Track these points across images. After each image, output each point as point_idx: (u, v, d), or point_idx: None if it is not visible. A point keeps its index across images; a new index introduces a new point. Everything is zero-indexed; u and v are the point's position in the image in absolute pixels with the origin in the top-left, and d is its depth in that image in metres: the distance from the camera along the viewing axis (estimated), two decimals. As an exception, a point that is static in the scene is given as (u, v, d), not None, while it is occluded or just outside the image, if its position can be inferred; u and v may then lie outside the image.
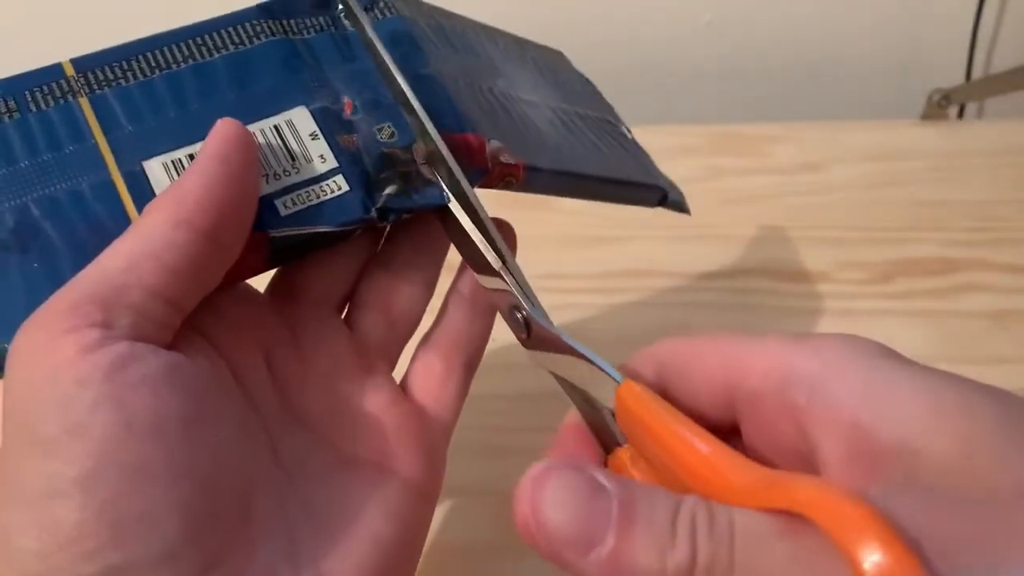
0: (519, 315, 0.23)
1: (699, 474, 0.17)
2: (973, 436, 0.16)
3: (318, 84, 0.25)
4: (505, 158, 0.25)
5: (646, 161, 0.35)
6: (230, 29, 0.25)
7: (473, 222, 0.24)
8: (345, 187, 0.24)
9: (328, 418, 0.24)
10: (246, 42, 0.25)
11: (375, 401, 0.24)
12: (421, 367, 0.26)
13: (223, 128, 0.22)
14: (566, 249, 0.47)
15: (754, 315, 0.42)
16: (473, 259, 0.25)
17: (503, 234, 0.25)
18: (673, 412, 0.18)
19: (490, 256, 0.24)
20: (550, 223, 0.49)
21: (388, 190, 0.24)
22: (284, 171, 0.24)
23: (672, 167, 0.53)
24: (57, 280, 0.21)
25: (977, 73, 0.63)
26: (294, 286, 0.25)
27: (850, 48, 0.64)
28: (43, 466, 0.18)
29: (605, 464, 0.21)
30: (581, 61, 0.65)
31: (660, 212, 0.49)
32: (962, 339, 0.40)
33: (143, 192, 0.23)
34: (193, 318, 0.21)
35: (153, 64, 0.24)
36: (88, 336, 0.18)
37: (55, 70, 0.24)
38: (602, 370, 0.20)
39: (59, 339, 0.18)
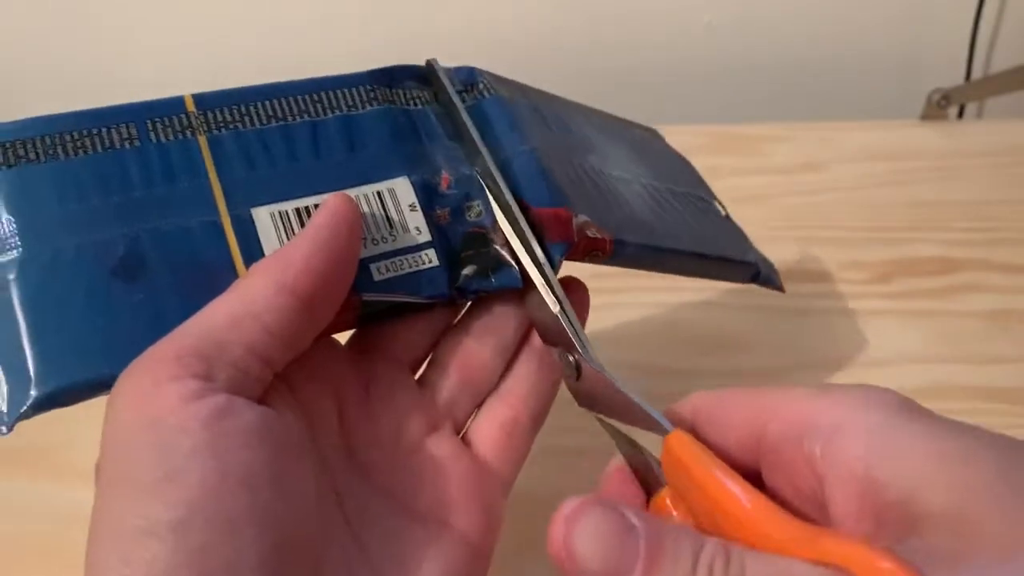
0: (571, 358, 0.24)
1: (740, 524, 0.18)
2: (971, 490, 0.16)
3: (420, 156, 0.26)
4: (592, 232, 0.26)
5: (739, 237, 0.35)
6: (344, 91, 0.26)
7: (544, 281, 0.25)
8: (435, 262, 0.25)
9: (391, 473, 0.24)
10: (358, 106, 0.26)
11: (438, 458, 0.25)
12: (487, 420, 0.26)
13: (334, 202, 0.23)
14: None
15: (754, 315, 0.42)
16: (538, 308, 0.26)
17: (578, 295, 0.26)
18: (718, 463, 0.19)
19: (549, 299, 0.25)
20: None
21: (467, 270, 0.25)
22: (382, 238, 0.25)
23: (672, 167, 0.53)
24: (158, 313, 0.22)
25: (977, 73, 0.63)
26: (373, 343, 0.26)
27: (850, 48, 0.64)
28: (140, 508, 0.18)
29: (647, 506, 0.22)
30: (582, 61, 0.66)
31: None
32: (962, 339, 0.40)
33: (249, 238, 0.23)
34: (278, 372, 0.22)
35: (270, 113, 0.25)
36: (189, 386, 0.19)
37: (176, 103, 0.25)
38: (651, 416, 0.21)
39: (162, 386, 0.19)
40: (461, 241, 0.25)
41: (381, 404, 0.25)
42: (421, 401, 0.26)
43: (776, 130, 0.54)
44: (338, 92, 0.26)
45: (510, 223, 0.26)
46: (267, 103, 0.25)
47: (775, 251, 0.46)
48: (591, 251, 0.26)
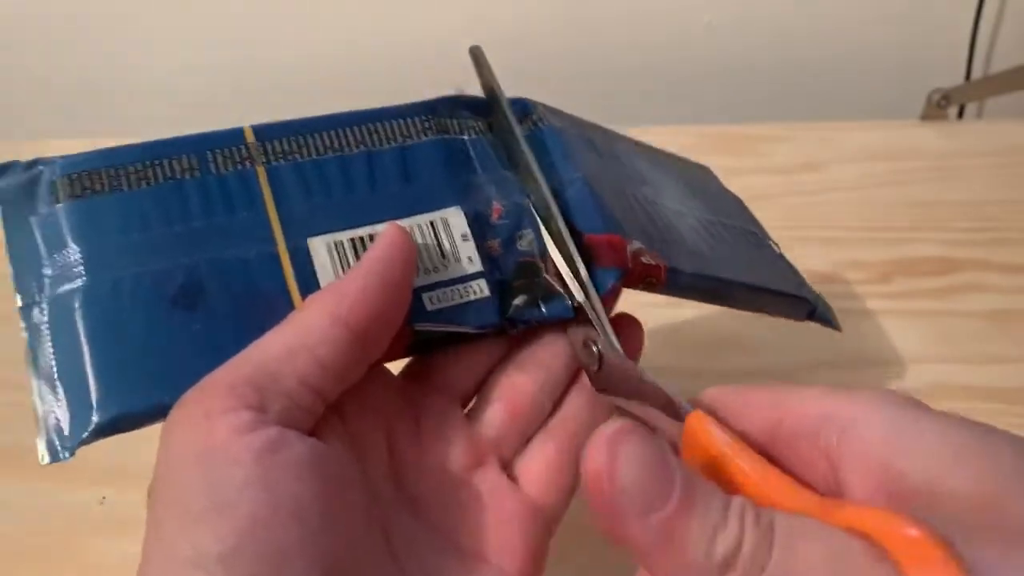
0: (594, 348, 0.24)
1: (759, 501, 0.18)
2: (993, 476, 0.17)
3: (472, 186, 0.26)
4: (646, 259, 0.26)
5: (793, 273, 0.35)
6: (400, 121, 0.26)
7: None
8: (486, 292, 0.25)
9: (437, 507, 0.24)
10: (413, 136, 0.26)
11: (483, 494, 0.25)
12: (535, 456, 0.26)
13: (390, 234, 0.23)
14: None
15: (754, 316, 0.42)
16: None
17: (631, 329, 0.26)
18: (738, 440, 0.20)
19: (574, 287, 0.25)
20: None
21: (518, 300, 0.25)
22: (434, 267, 0.25)
23: (672, 167, 0.53)
24: (216, 343, 0.22)
25: (977, 73, 0.63)
26: (425, 374, 0.26)
27: (850, 48, 0.64)
28: (190, 538, 0.18)
29: None
30: (582, 62, 0.66)
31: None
32: (962, 339, 0.40)
33: (305, 269, 0.24)
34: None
35: (327, 144, 0.26)
36: (242, 418, 0.20)
37: (236, 134, 0.25)
38: (672, 400, 0.21)
39: (215, 418, 0.20)
40: (512, 271, 0.25)
41: (430, 437, 0.25)
42: (469, 435, 0.26)
43: (776, 130, 0.54)
44: (394, 123, 0.26)
45: (559, 250, 0.26)
46: (324, 134, 0.26)
47: (775, 251, 0.46)
48: (645, 278, 0.26)
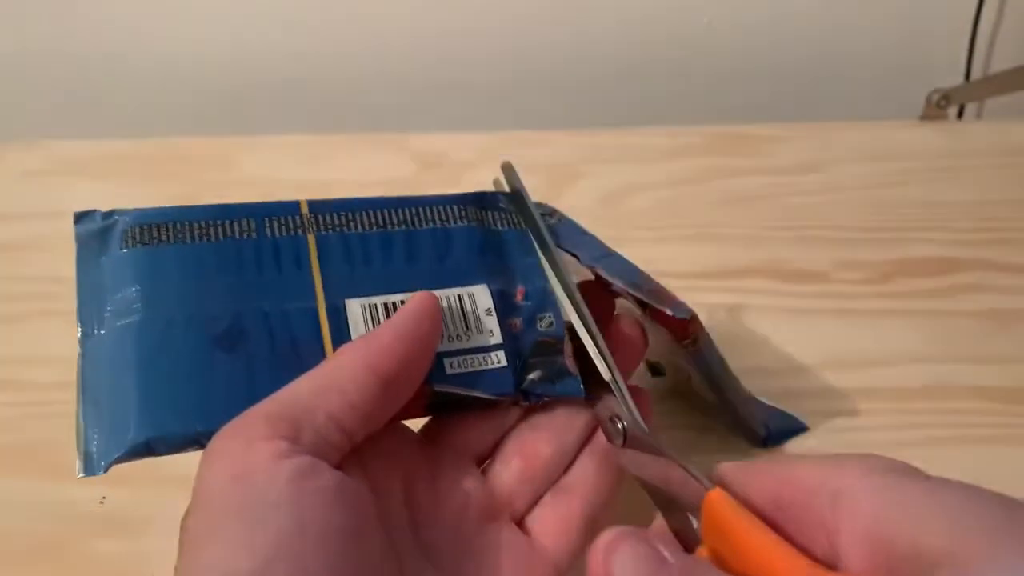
0: (619, 424, 0.26)
1: (773, 573, 0.19)
2: (969, 529, 0.17)
3: (499, 269, 0.29)
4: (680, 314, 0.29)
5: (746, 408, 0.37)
6: (439, 207, 0.29)
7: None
8: (503, 363, 0.27)
9: (452, 555, 0.26)
10: (450, 221, 0.29)
11: (498, 544, 0.26)
12: (548, 512, 0.28)
13: (420, 297, 0.26)
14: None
15: (754, 315, 0.42)
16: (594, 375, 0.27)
17: (639, 397, 0.28)
18: (757, 522, 0.20)
19: (602, 368, 0.27)
20: (550, 223, 0.49)
21: (533, 375, 0.27)
22: (457, 335, 0.27)
23: (672, 167, 0.53)
24: (250, 381, 0.25)
25: (976, 73, 0.63)
26: (444, 434, 0.28)
27: (850, 48, 0.64)
28: (225, 552, 0.20)
29: None
30: (582, 62, 0.66)
31: (659, 212, 0.49)
32: (962, 339, 0.40)
33: (340, 325, 0.26)
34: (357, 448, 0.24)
35: (373, 221, 0.29)
36: (279, 446, 0.22)
37: (293, 206, 0.28)
38: (694, 477, 0.22)
39: (254, 445, 0.22)
40: (530, 348, 0.27)
41: (446, 490, 0.27)
42: (484, 490, 0.27)
43: (776, 130, 0.54)
44: (435, 208, 0.29)
45: (587, 329, 0.28)
46: (371, 212, 0.29)
47: (775, 251, 0.46)
48: (694, 333, 0.29)
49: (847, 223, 0.47)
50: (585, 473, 0.28)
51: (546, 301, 0.28)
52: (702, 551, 0.22)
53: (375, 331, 0.25)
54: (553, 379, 0.27)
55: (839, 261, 0.45)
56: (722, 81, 0.65)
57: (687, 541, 0.23)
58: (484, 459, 0.29)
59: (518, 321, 0.28)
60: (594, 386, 0.27)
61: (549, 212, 0.32)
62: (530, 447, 0.28)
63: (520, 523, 0.28)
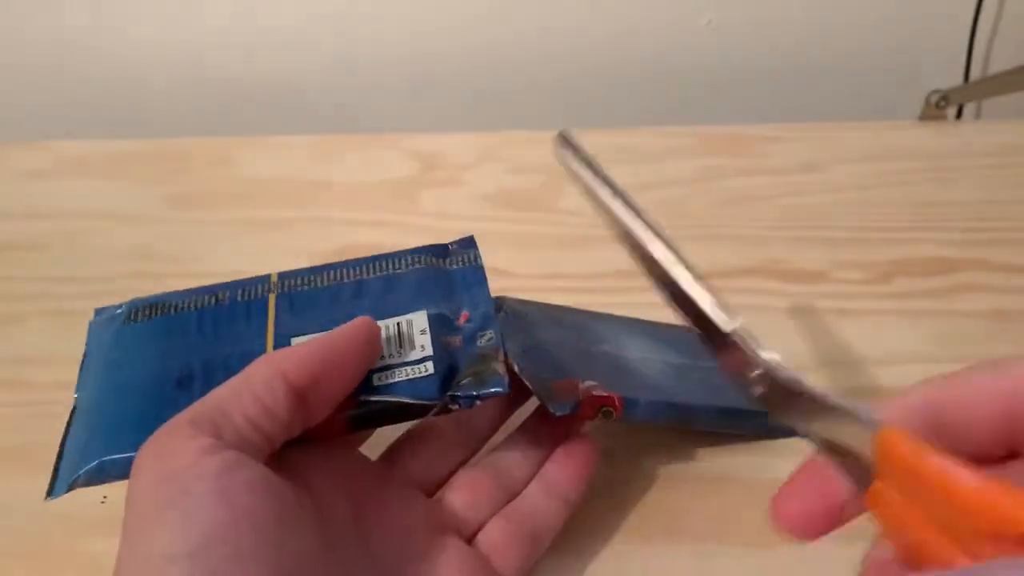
0: (754, 372, 0.24)
1: (971, 508, 0.18)
2: None
3: (443, 298, 0.31)
4: (597, 392, 0.31)
5: None
6: (395, 259, 0.32)
7: None
8: (430, 371, 0.28)
9: (399, 560, 0.27)
10: (402, 267, 0.32)
11: (445, 552, 0.28)
12: (493, 530, 0.30)
13: (358, 320, 0.28)
14: (566, 249, 0.47)
15: (754, 315, 0.42)
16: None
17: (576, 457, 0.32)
18: (938, 452, 0.19)
19: (720, 320, 0.25)
20: (550, 223, 0.49)
21: (465, 381, 0.28)
22: (390, 355, 0.29)
23: (672, 167, 0.53)
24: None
25: (975, 74, 0.63)
26: (397, 462, 0.31)
27: (849, 48, 0.64)
28: (160, 539, 0.22)
29: (857, 498, 0.22)
30: (582, 61, 0.66)
31: (658, 212, 0.49)
32: (961, 339, 0.41)
33: None
34: (290, 461, 0.26)
35: (331, 279, 0.32)
36: (204, 443, 0.23)
37: (265, 278, 0.32)
38: (856, 414, 0.21)
39: (183, 444, 0.23)
40: (468, 360, 0.29)
41: (395, 507, 0.29)
42: (432, 510, 0.29)
43: (776, 130, 0.54)
44: (391, 260, 0.32)
45: (691, 288, 0.27)
46: (331, 272, 0.32)
47: (775, 251, 0.46)
48: (601, 407, 0.31)
49: (846, 223, 0.48)
50: (533, 496, 0.30)
51: (488, 322, 0.30)
52: (880, 487, 0.21)
53: (298, 343, 0.27)
54: (482, 381, 0.28)
55: (839, 261, 0.45)
56: (722, 81, 0.65)
57: (856, 476, 0.22)
58: (433, 492, 0.31)
59: (458, 339, 0.29)
60: (713, 339, 0.25)
61: (497, 307, 0.33)
62: (476, 481, 0.30)
63: (469, 542, 0.29)
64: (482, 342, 0.29)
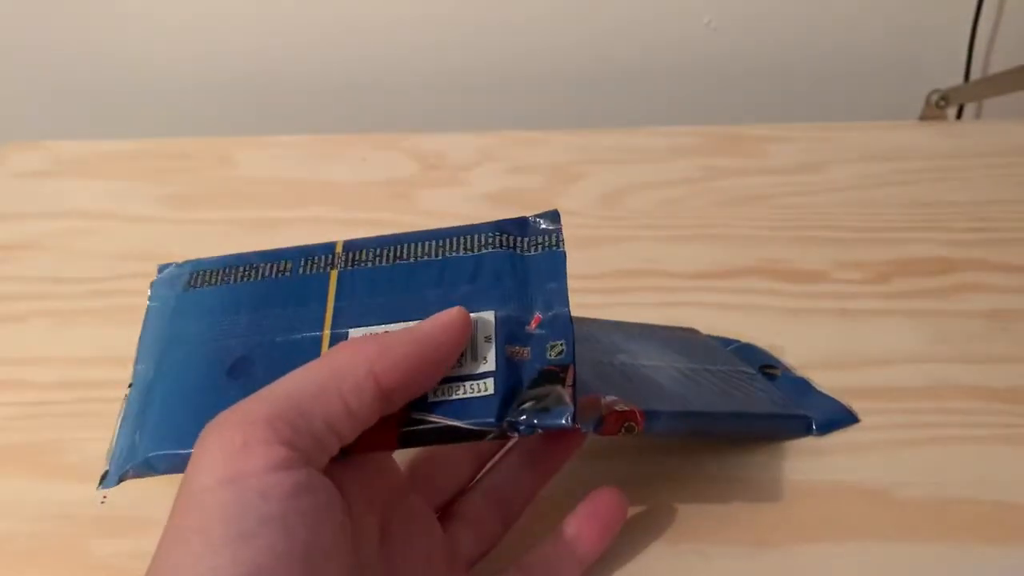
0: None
1: None
2: None
3: (517, 296, 0.28)
4: (620, 407, 0.28)
5: (794, 398, 0.37)
6: (468, 236, 0.29)
7: None
8: (490, 390, 0.25)
9: None
10: (475, 249, 0.28)
11: None
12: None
13: (453, 317, 0.25)
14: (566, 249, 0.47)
15: (754, 315, 0.42)
16: None
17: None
18: None
19: None
20: (550, 223, 0.49)
21: (526, 405, 0.25)
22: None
23: (672, 167, 0.53)
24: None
25: (975, 74, 0.63)
26: (418, 472, 0.29)
27: (849, 48, 0.64)
28: (209, 560, 0.20)
29: None
30: (582, 62, 0.66)
31: (659, 212, 0.49)
32: (961, 339, 0.40)
33: None
34: (334, 469, 0.24)
35: (396, 255, 0.29)
36: (277, 453, 0.21)
37: (329, 247, 0.29)
38: None
39: (252, 448, 0.21)
40: (534, 377, 0.26)
41: (416, 530, 0.27)
42: (447, 539, 0.28)
43: (776, 130, 0.54)
44: (466, 237, 0.29)
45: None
46: (401, 246, 0.29)
47: (775, 251, 0.46)
48: (624, 423, 0.28)
49: (847, 223, 0.48)
50: (553, 566, 0.29)
51: (562, 330, 0.27)
52: None
53: (393, 336, 0.24)
54: (545, 409, 0.25)
55: (839, 261, 0.45)
56: (722, 81, 0.65)
57: None
58: (446, 506, 0.30)
59: (525, 350, 0.26)
60: None
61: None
62: (485, 516, 0.29)
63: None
64: (551, 355, 0.26)
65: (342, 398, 0.23)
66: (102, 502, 0.35)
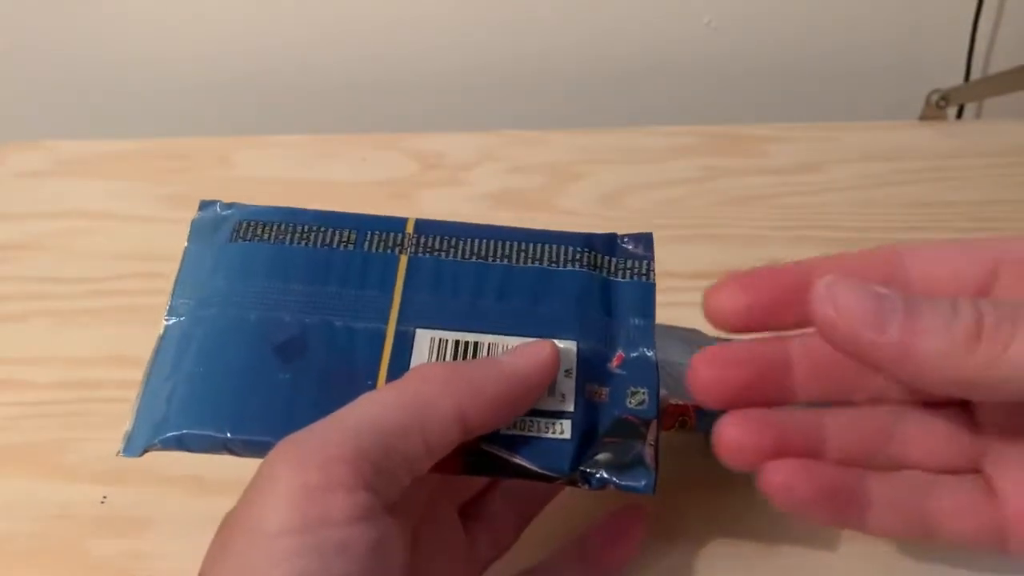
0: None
1: None
2: None
3: (601, 326, 0.25)
4: (674, 400, 0.27)
5: None
6: (552, 245, 0.26)
7: None
8: (566, 434, 0.23)
9: None
10: (559, 262, 0.26)
11: None
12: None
13: (547, 354, 0.23)
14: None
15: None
16: None
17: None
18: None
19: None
20: (550, 223, 0.48)
21: (601, 456, 0.23)
22: None
23: (672, 167, 0.53)
24: (292, 400, 0.23)
25: (976, 74, 0.63)
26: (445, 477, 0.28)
27: (850, 48, 0.64)
28: None
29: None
30: (581, 61, 0.66)
31: (659, 212, 0.49)
32: (961, 339, 0.40)
33: (403, 353, 0.24)
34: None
35: (474, 250, 0.26)
36: (360, 501, 0.19)
37: (399, 223, 0.27)
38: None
39: (335, 492, 0.19)
40: (610, 424, 0.24)
41: (444, 543, 0.26)
42: (468, 550, 0.27)
43: (776, 130, 0.54)
44: (547, 246, 0.27)
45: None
46: (476, 240, 0.27)
47: (775, 251, 0.46)
48: (679, 418, 0.28)
49: (846, 223, 0.48)
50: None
51: (645, 375, 0.25)
52: None
53: (483, 373, 0.22)
54: (622, 467, 0.23)
55: (839, 261, 0.45)
56: (722, 81, 0.65)
57: None
58: (466, 508, 0.28)
59: (604, 391, 0.24)
60: None
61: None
62: (503, 524, 0.28)
63: None
64: (632, 403, 0.24)
65: (425, 438, 0.21)
66: (102, 502, 0.35)
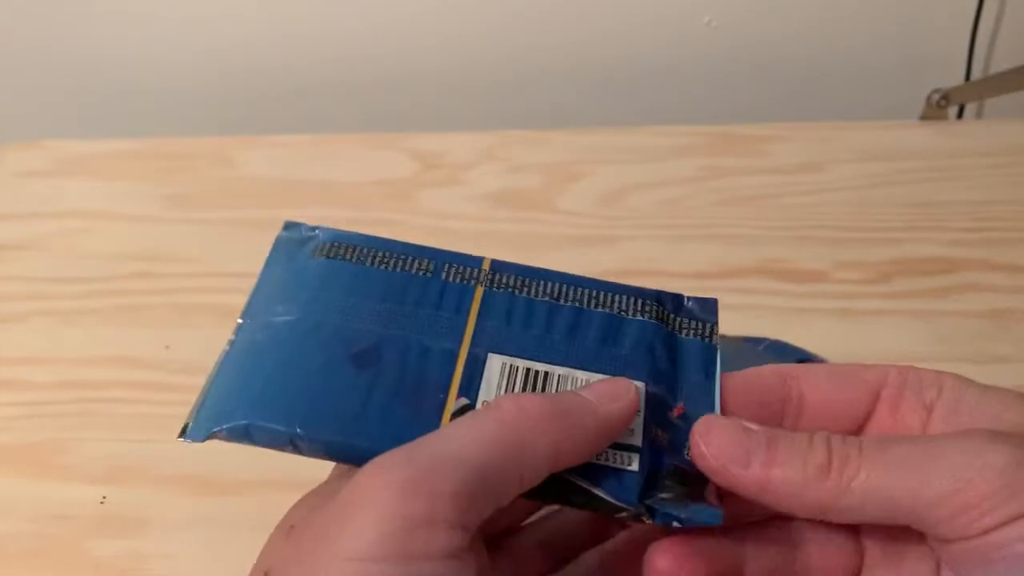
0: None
1: None
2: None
3: (665, 376, 0.26)
4: None
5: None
6: (620, 296, 0.28)
7: None
8: (634, 467, 0.24)
9: None
10: (628, 312, 0.27)
11: None
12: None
13: (632, 396, 0.24)
14: (566, 249, 0.47)
15: (754, 315, 0.42)
16: None
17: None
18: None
19: None
20: (550, 223, 0.49)
21: (664, 493, 0.24)
22: None
23: (672, 167, 0.53)
24: (364, 404, 0.25)
25: (976, 73, 0.63)
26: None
27: (850, 48, 0.64)
28: None
29: None
30: (582, 62, 0.66)
31: (659, 212, 0.49)
32: (961, 339, 0.40)
33: (473, 375, 0.26)
34: None
35: (546, 292, 0.28)
36: (458, 539, 0.19)
37: (476, 260, 0.28)
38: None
39: (438, 527, 0.19)
40: (669, 469, 0.25)
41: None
42: (491, 572, 0.26)
43: (776, 130, 0.54)
44: (615, 296, 0.28)
45: None
46: (547, 283, 0.28)
47: (775, 251, 0.46)
48: None
49: (847, 223, 0.47)
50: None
51: None
52: None
53: (573, 408, 0.22)
54: (688, 502, 0.24)
55: (839, 261, 0.45)
56: (722, 81, 0.65)
57: None
58: (496, 534, 0.28)
59: (665, 436, 0.25)
60: None
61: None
62: (531, 556, 0.28)
63: None
64: (687, 452, 0.24)
65: (521, 474, 0.21)
66: (102, 502, 0.35)
